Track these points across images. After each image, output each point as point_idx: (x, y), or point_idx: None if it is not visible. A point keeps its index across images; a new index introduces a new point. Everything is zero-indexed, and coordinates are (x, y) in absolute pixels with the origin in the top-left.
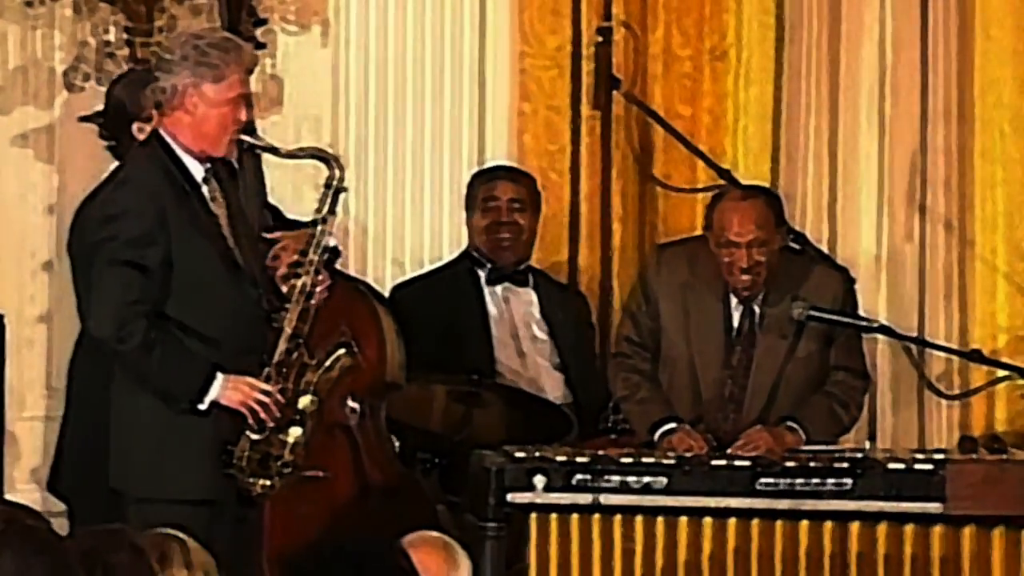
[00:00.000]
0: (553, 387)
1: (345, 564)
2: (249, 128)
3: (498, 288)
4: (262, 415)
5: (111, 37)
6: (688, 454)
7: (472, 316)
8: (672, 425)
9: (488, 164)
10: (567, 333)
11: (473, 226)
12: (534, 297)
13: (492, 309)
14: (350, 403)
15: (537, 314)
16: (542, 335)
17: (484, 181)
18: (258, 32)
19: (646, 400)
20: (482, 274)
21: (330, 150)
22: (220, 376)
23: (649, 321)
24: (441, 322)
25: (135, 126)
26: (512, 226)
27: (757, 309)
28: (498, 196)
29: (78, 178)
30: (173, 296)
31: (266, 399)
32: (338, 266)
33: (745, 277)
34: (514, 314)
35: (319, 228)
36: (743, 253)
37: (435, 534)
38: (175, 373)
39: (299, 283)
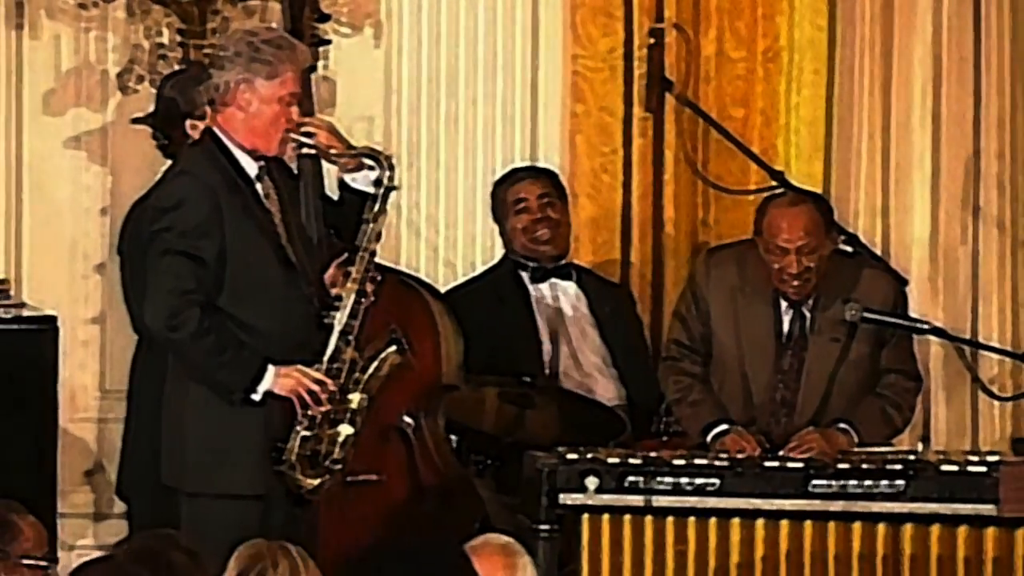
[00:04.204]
0: (605, 386)
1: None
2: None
3: (543, 285)
4: (312, 406)
5: (164, 39)
6: (740, 456)
7: (519, 318)
8: (724, 427)
9: (507, 168)
10: (618, 329)
11: (509, 231)
12: (581, 293)
13: (538, 308)
14: (405, 419)
15: (586, 310)
16: (593, 331)
17: (508, 185)
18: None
19: (698, 402)
20: (525, 275)
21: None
22: (271, 367)
23: (699, 325)
24: (488, 327)
25: (188, 124)
26: (547, 221)
27: (807, 313)
28: (526, 196)
29: (131, 180)
30: (226, 290)
31: (317, 388)
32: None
33: (795, 283)
34: (563, 310)
35: (369, 227)
36: (792, 259)
37: (502, 538)
38: (228, 362)
39: (349, 281)
